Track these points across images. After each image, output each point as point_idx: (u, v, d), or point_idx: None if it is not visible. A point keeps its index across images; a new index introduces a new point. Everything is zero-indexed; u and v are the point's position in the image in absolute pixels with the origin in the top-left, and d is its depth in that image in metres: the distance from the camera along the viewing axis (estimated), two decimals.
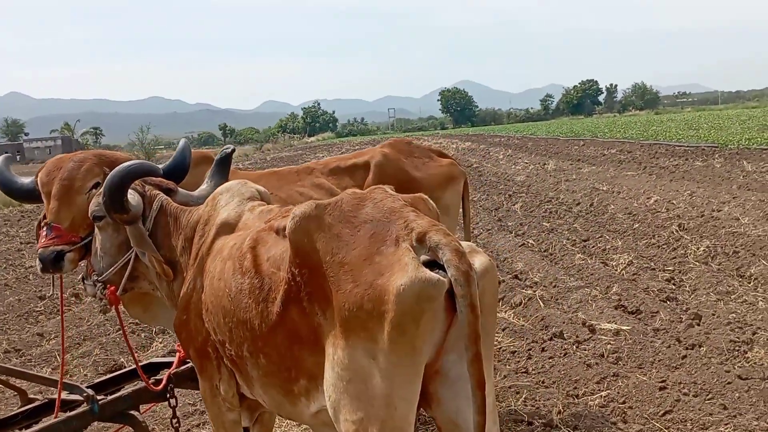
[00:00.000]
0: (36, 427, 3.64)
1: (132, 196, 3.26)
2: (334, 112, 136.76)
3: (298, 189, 4.35)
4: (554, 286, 7.80)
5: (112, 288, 3.42)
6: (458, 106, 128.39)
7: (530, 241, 10.60)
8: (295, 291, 2.44)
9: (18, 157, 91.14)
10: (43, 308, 8.66)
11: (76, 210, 3.57)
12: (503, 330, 6.42)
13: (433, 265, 2.23)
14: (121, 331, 5.09)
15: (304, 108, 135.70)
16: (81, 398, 3.86)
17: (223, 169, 3.72)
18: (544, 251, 9.90)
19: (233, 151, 3.81)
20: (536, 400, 4.93)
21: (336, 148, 52.43)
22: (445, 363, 2.30)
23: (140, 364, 4.04)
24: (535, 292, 7.44)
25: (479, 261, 2.29)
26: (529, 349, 5.92)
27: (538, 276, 8.36)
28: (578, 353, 5.68)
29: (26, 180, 3.74)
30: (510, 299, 7.39)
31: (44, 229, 3.59)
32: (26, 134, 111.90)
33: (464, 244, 2.31)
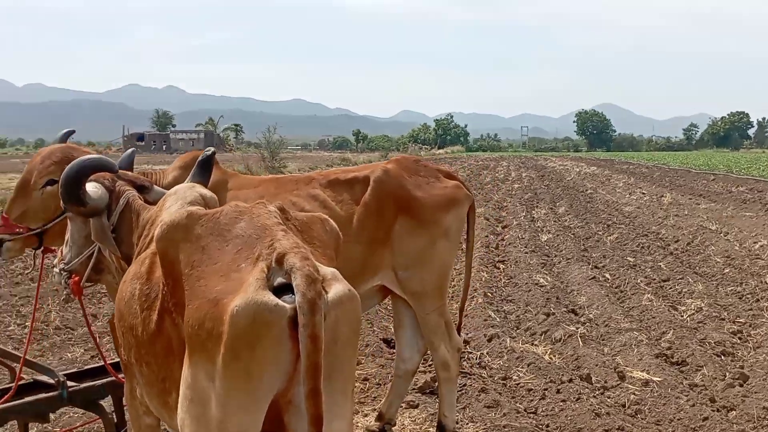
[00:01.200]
0: (4, 405, 3.82)
1: (95, 190, 3.32)
2: (466, 126, 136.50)
3: (291, 198, 4.32)
4: (605, 326, 7.38)
5: (76, 278, 3.51)
6: (594, 129, 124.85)
7: (606, 275, 10.09)
8: (166, 301, 2.42)
9: (164, 146, 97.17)
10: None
11: (29, 203, 3.80)
12: (528, 365, 6.13)
13: (289, 288, 2.14)
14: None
15: (437, 120, 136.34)
16: (53, 382, 4.03)
17: (204, 171, 3.73)
18: (615, 288, 9.40)
19: (214, 153, 3.84)
20: None
21: (459, 162, 52.30)
22: (296, 394, 2.18)
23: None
24: (578, 329, 7.04)
25: (336, 290, 2.16)
26: (546, 389, 5.60)
27: (594, 313, 7.94)
28: (594, 400, 5.32)
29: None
30: (551, 334, 7.05)
31: None
32: (174, 126, 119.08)
33: (327, 270, 2.19)
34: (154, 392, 2.64)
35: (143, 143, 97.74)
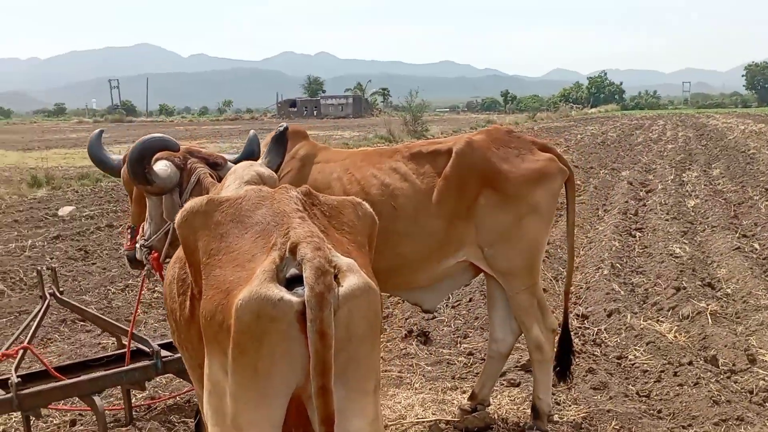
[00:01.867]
0: (103, 373, 4.05)
1: (165, 168, 3.39)
2: (621, 83, 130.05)
3: (373, 171, 4.22)
4: (743, 302, 6.75)
5: (155, 254, 3.63)
6: (767, 83, 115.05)
7: (754, 245, 9.23)
8: (192, 288, 2.39)
9: (315, 112, 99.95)
10: None
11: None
12: (647, 344, 5.72)
13: (303, 280, 2.02)
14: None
15: (590, 78, 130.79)
16: (148, 351, 4.22)
17: (278, 146, 3.73)
18: (763, 259, 8.57)
19: (287, 129, 3.81)
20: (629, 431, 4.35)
21: (611, 122, 50.05)
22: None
23: None
24: (710, 306, 6.49)
25: (350, 282, 2.03)
26: (662, 371, 5.21)
27: (732, 287, 7.30)
28: (715, 385, 4.87)
29: (115, 158, 3.95)
30: (679, 310, 6.54)
31: (128, 231, 3.86)
32: (323, 92, 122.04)
33: (342, 261, 2.07)
34: (195, 377, 2.64)
35: (295, 109, 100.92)
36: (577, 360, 5.37)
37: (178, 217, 2.37)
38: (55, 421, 4.58)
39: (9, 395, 3.68)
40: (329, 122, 72.88)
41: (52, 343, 6.20)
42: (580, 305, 7.10)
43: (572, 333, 5.90)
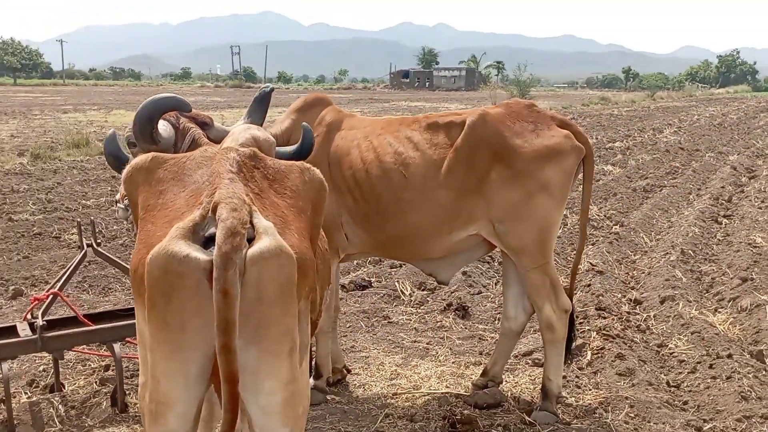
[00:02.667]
0: (125, 323, 4.30)
1: (164, 128, 3.47)
2: (755, 63, 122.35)
3: (389, 139, 4.22)
4: None
5: None
6: None
7: None
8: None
9: (427, 83, 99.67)
10: None
11: None
12: (691, 334, 5.47)
13: None
14: None
15: (720, 56, 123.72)
16: None
17: (260, 107, 3.73)
18: None
19: (272, 90, 3.83)
20: (646, 421, 4.20)
21: (737, 103, 47.32)
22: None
23: None
24: None
25: (260, 245, 2.04)
26: (699, 362, 4.98)
27: None
28: (749, 380, 4.60)
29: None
30: (739, 302, 6.21)
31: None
32: (437, 63, 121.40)
33: (262, 223, 2.09)
34: None
35: (408, 80, 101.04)
36: (609, 345, 5.25)
37: (124, 171, 2.44)
38: (92, 365, 4.89)
39: (34, 337, 3.98)
40: (440, 94, 72.64)
41: (111, 292, 6.60)
42: (636, 290, 6.85)
43: (607, 316, 5.77)
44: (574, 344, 4.62)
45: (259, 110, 3.66)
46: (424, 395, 4.57)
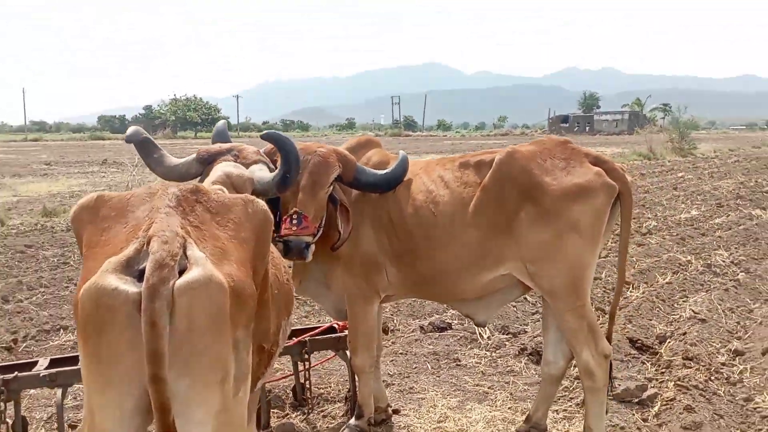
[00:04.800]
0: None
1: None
2: None
3: (423, 178, 4.21)
4: None
5: None
6: None
7: None
8: None
9: (587, 127, 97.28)
10: None
11: (318, 203, 3.95)
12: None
13: None
14: None
15: None
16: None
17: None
18: None
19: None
20: None
21: None
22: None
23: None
24: None
25: (190, 275, 2.10)
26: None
27: None
28: None
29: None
30: None
31: (293, 216, 3.85)
32: (598, 107, 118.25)
33: (195, 255, 2.16)
34: None
35: (567, 125, 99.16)
36: (682, 396, 4.87)
37: (71, 211, 2.55)
38: None
39: None
40: (600, 138, 70.58)
41: None
42: (740, 340, 6.28)
43: (692, 366, 5.35)
44: (610, 391, 4.31)
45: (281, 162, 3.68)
46: None
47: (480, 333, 6.47)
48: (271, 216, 2.60)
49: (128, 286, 2.07)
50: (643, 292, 7.74)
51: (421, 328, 6.69)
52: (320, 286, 4.50)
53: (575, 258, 3.85)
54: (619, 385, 5.01)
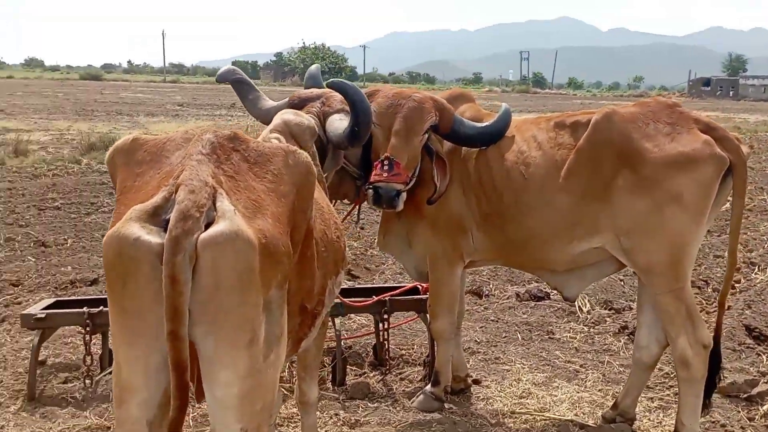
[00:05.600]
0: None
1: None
2: None
3: (516, 137, 3.87)
4: None
5: None
6: None
7: None
8: None
9: (731, 92, 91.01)
10: None
11: (412, 150, 3.74)
12: None
13: None
14: None
15: None
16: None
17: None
18: None
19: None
20: None
21: None
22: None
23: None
24: None
25: (215, 229, 1.95)
26: None
27: None
28: None
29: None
30: None
31: (384, 162, 3.67)
32: (745, 70, 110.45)
33: (224, 207, 2.00)
34: None
35: (708, 88, 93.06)
36: None
37: (107, 154, 2.44)
38: None
39: None
40: (744, 104, 65.72)
41: None
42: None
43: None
44: (718, 385, 3.88)
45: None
46: (546, 420, 4.16)
47: (580, 306, 6.09)
48: (314, 169, 2.40)
49: (152, 237, 1.94)
50: None
51: (518, 295, 6.39)
52: (402, 243, 4.30)
53: (676, 234, 3.46)
54: (726, 377, 4.54)
